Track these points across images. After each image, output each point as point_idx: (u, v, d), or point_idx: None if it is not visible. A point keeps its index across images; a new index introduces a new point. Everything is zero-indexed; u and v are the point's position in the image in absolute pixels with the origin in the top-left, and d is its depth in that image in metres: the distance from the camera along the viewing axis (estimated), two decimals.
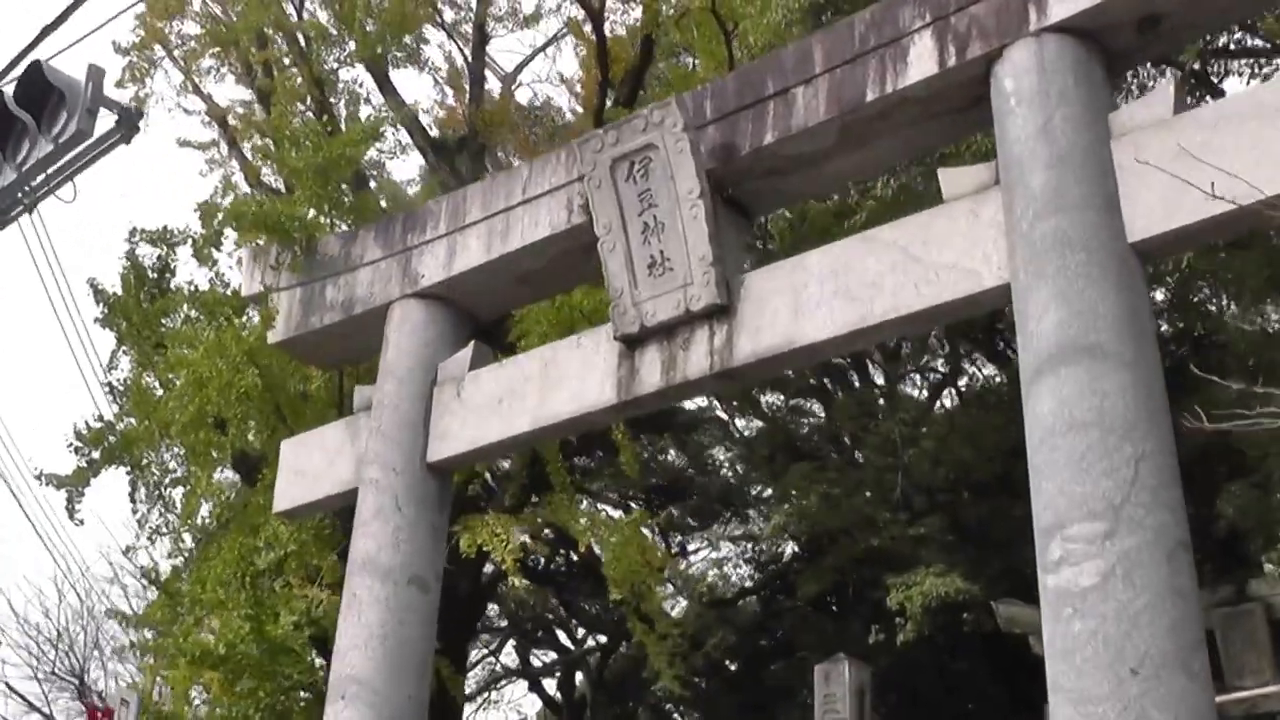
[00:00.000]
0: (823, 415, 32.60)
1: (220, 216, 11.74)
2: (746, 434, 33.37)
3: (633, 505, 29.64)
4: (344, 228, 12.58)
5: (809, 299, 8.72)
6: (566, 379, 9.84)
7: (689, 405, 34.70)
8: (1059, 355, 7.23)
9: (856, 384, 31.94)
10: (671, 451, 33.41)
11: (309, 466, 11.42)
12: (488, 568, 16.91)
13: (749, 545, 33.30)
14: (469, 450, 10.30)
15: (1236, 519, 22.86)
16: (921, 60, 8.54)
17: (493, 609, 30.94)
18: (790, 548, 33.43)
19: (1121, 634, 6.48)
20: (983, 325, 27.41)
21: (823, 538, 29.45)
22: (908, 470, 28.65)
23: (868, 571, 27.09)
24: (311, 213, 12.09)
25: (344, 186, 13.06)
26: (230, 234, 12.07)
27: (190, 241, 11.91)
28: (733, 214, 9.65)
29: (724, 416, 33.76)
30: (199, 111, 16.72)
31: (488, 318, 11.54)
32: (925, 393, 31.61)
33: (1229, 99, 7.51)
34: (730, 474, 33.98)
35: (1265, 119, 7.16)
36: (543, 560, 32.42)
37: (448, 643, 14.95)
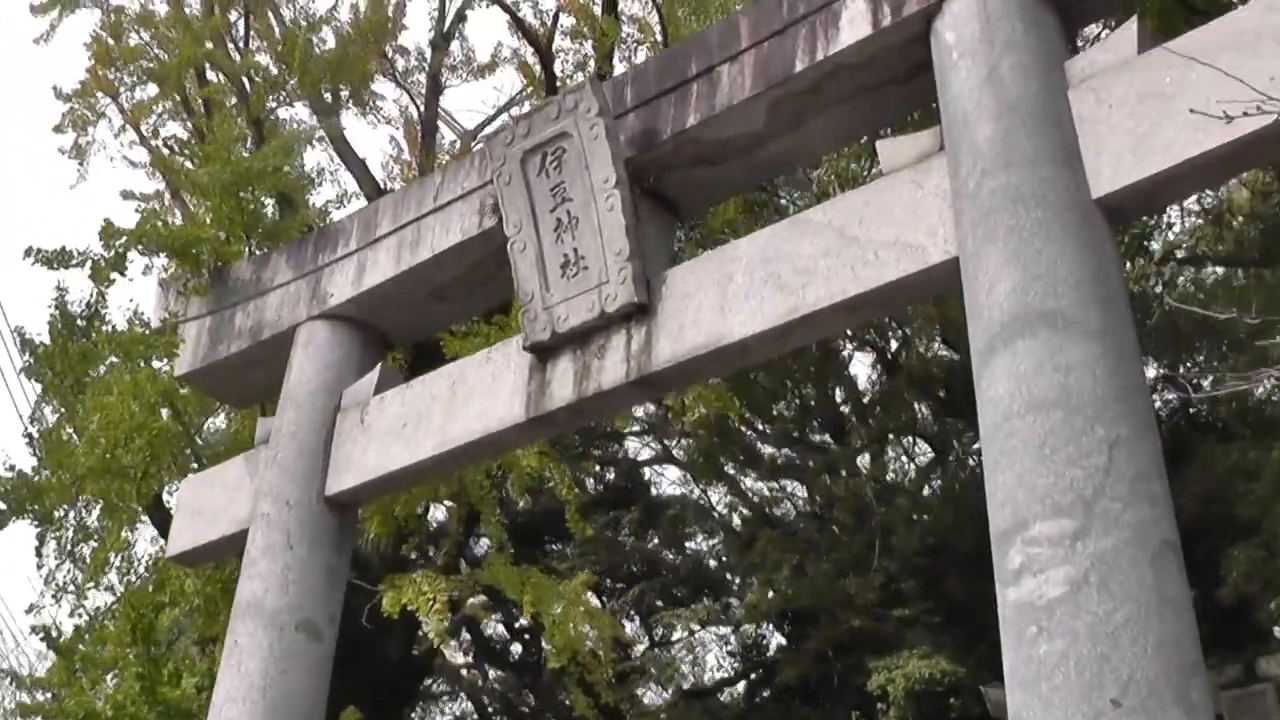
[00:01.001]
0: (804, 495, 31.23)
1: (124, 239, 10.25)
2: (723, 515, 31.92)
3: (606, 588, 28.11)
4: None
5: (735, 291, 7.21)
6: (474, 397, 8.29)
7: (669, 487, 33.43)
8: (1014, 326, 5.68)
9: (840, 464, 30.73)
10: (650, 536, 31.89)
11: (208, 506, 9.82)
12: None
13: (729, 631, 31.50)
14: (370, 480, 8.71)
15: (1241, 584, 21.22)
16: (854, 23, 7.09)
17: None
18: (775, 638, 31.77)
19: (1098, 655, 4.88)
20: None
21: (804, 620, 27.85)
22: (892, 550, 27.13)
23: (851, 656, 25.48)
24: (222, 235, 10.59)
25: (265, 210, 11.58)
26: (137, 258, 10.54)
27: (90, 264, 10.37)
28: (657, 209, 8.17)
29: (702, 501, 32.42)
30: (143, 164, 15.39)
31: (400, 340, 10.02)
32: (913, 473, 30.20)
33: (1202, 29, 5.99)
34: (709, 558, 32.39)
35: (1245, 48, 5.67)
36: (499, 630, 30.75)
37: (376, 714, 13.27)
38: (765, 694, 30.26)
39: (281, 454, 9.03)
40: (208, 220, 11.03)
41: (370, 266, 9.33)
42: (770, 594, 25.55)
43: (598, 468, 30.22)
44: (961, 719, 21.00)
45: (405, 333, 9.88)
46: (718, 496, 32.01)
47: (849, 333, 29.79)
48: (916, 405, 28.93)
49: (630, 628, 33.14)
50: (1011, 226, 5.89)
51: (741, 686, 31.30)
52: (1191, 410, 30.02)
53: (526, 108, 12.87)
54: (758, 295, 7.09)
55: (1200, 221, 24.54)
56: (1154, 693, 4.79)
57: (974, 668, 21.19)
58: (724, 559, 31.36)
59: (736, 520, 31.55)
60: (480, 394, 8.24)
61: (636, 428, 31.65)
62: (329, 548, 8.84)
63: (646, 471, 32.24)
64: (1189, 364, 30.23)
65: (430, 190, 9.13)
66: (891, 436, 30.28)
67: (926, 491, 30.18)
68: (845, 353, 30.85)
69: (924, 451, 29.69)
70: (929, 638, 21.86)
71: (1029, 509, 5.28)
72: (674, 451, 31.45)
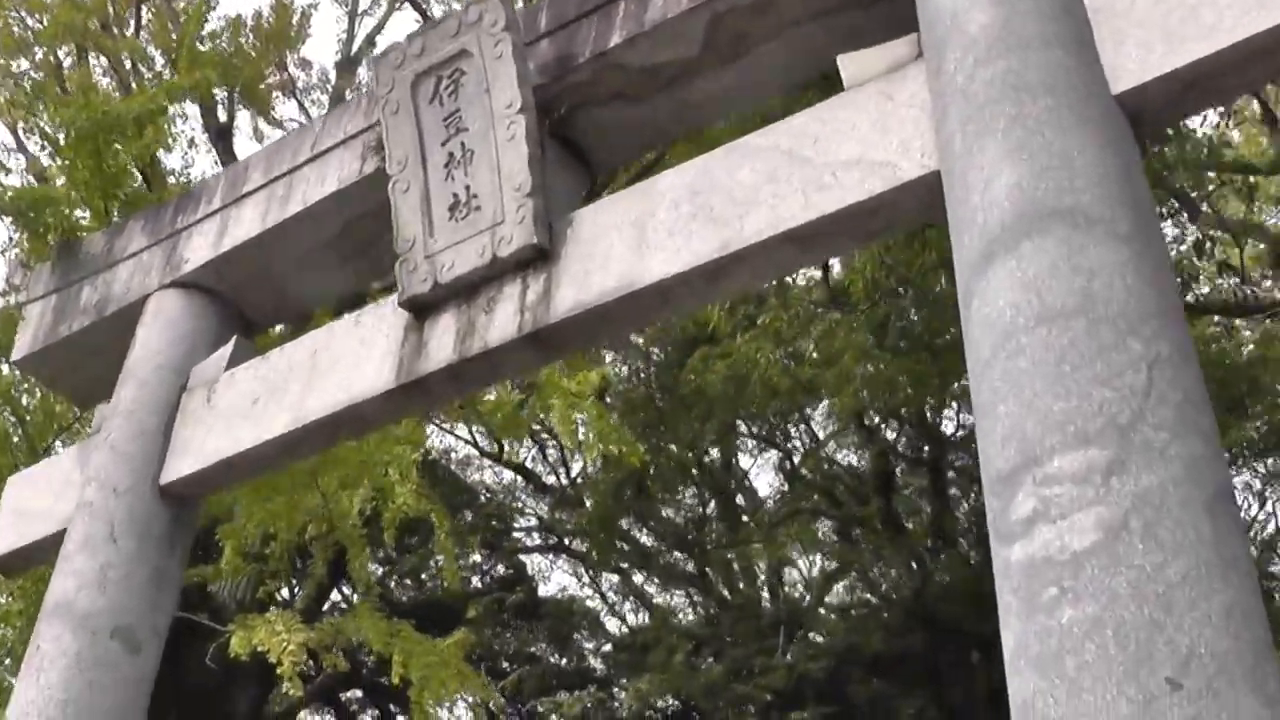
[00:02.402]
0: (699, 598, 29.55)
1: None
2: (613, 608, 30.17)
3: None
4: None
5: (657, 228, 5.71)
6: (339, 365, 6.67)
7: (556, 586, 31.55)
8: (1018, 226, 4.23)
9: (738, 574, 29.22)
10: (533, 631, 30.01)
11: (33, 505, 7.99)
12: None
13: None
14: (212, 465, 7.00)
15: None
16: None
17: None
18: None
19: (1147, 621, 3.35)
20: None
21: (692, 717, 26.08)
22: (790, 654, 25.53)
23: None
24: (76, 197, 8.92)
25: (130, 176, 9.87)
26: None
27: None
28: (566, 158, 6.68)
29: (592, 598, 30.67)
30: (19, 171, 13.66)
31: (265, 320, 8.35)
32: (817, 576, 28.68)
33: None
34: (594, 657, 30.54)
35: None
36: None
37: None
38: None
39: (115, 435, 7.32)
40: (60, 181, 9.34)
41: (233, 225, 7.74)
42: (660, 685, 23.64)
43: (482, 554, 28.30)
44: None
45: (270, 311, 8.22)
46: (608, 595, 30.29)
47: (749, 438, 28.60)
48: (817, 516, 27.57)
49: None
50: (1014, 116, 4.47)
51: None
52: None
53: None
54: (684, 231, 5.61)
55: None
56: (1223, 670, 3.28)
57: None
58: (609, 660, 29.60)
59: (626, 618, 29.93)
60: (346, 361, 6.64)
61: (529, 522, 30.02)
62: (159, 545, 7.11)
63: (532, 566, 30.50)
64: None
65: (309, 138, 7.59)
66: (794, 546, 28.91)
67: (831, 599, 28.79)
68: (747, 460, 29.65)
69: (828, 562, 28.11)
70: None
71: (1043, 441, 3.78)
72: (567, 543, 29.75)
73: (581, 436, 10.79)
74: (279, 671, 9.73)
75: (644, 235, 5.72)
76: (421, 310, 6.39)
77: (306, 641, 10.11)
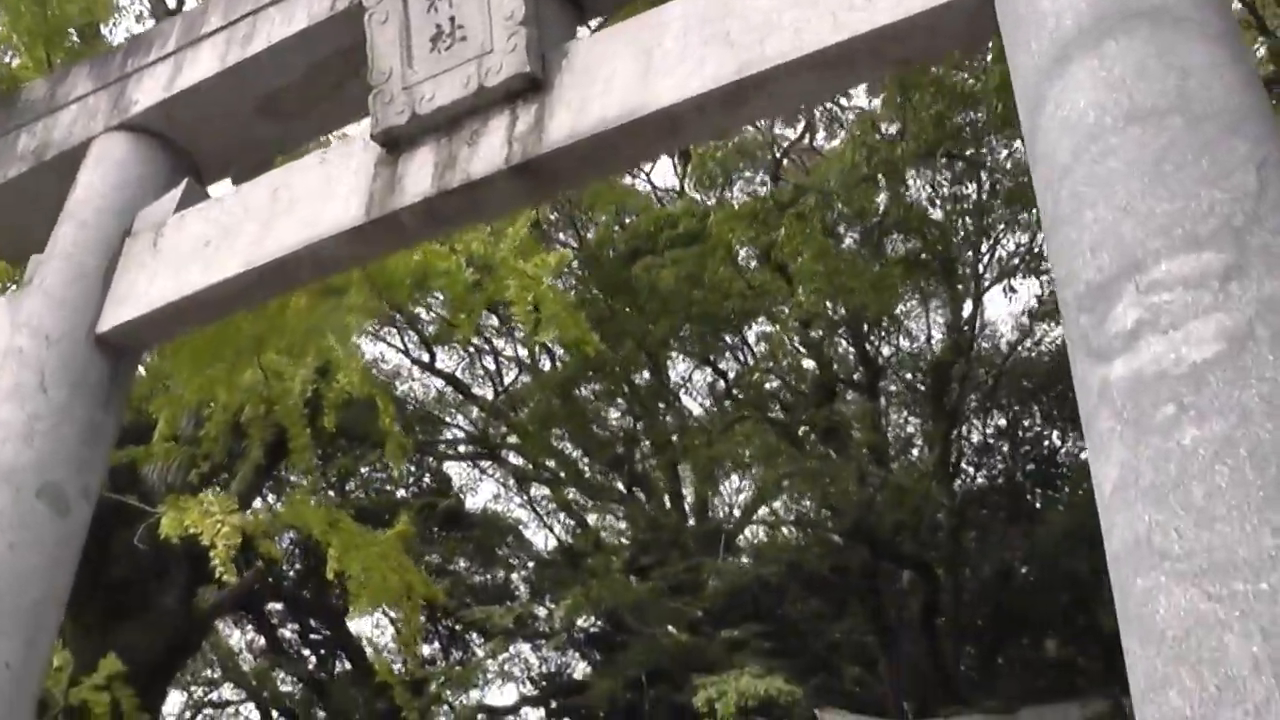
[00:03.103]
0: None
1: None
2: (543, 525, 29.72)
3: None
4: None
5: (666, 55, 5.11)
6: (301, 204, 6.02)
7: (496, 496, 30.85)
8: (1099, 27, 3.72)
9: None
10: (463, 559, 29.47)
11: None
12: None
13: (533, 654, 29.09)
14: (156, 310, 6.33)
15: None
16: None
17: None
18: (582, 665, 29.51)
19: None
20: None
21: (615, 646, 25.66)
22: (720, 572, 25.24)
23: (669, 680, 23.40)
24: (17, 44, 8.13)
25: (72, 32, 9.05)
26: None
27: None
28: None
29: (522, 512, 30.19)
30: None
31: (218, 168, 7.62)
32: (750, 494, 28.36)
33: None
34: (520, 577, 30.11)
35: None
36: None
37: (140, 671, 10.76)
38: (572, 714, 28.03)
39: (50, 280, 6.63)
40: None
41: (188, 67, 7.01)
42: (589, 601, 23.20)
43: (414, 464, 27.60)
44: None
45: (225, 159, 7.48)
46: (538, 507, 29.78)
47: (684, 355, 28.15)
48: (756, 429, 27.15)
49: (428, 649, 30.60)
50: None
51: (542, 711, 29.03)
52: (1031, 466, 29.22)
53: None
54: (695, 56, 5.02)
55: None
56: None
57: (810, 693, 19.35)
58: (538, 575, 29.15)
59: (556, 531, 29.48)
60: (309, 200, 5.99)
61: (458, 434, 29.42)
62: (94, 398, 6.44)
63: (460, 478, 29.93)
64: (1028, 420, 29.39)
65: None
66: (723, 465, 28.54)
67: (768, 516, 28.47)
68: (680, 374, 29.18)
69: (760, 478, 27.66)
70: (759, 662, 19.90)
71: (1145, 244, 3.28)
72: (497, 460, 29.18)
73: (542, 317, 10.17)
74: (212, 555, 9.10)
75: (650, 62, 5.14)
76: (396, 144, 5.76)
77: (242, 526, 9.48)
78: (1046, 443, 28.86)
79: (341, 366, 9.82)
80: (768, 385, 25.26)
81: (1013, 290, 22.77)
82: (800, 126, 22.64)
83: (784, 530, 27.27)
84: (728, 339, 24.64)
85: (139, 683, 10.58)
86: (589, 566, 24.76)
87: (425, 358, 27.65)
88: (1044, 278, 27.95)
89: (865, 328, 23.26)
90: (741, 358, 26.42)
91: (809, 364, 24.53)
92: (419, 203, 5.53)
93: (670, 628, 22.54)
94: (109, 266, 6.65)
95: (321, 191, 5.95)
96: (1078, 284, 3.45)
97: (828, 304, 18.71)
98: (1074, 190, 3.56)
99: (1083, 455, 30.06)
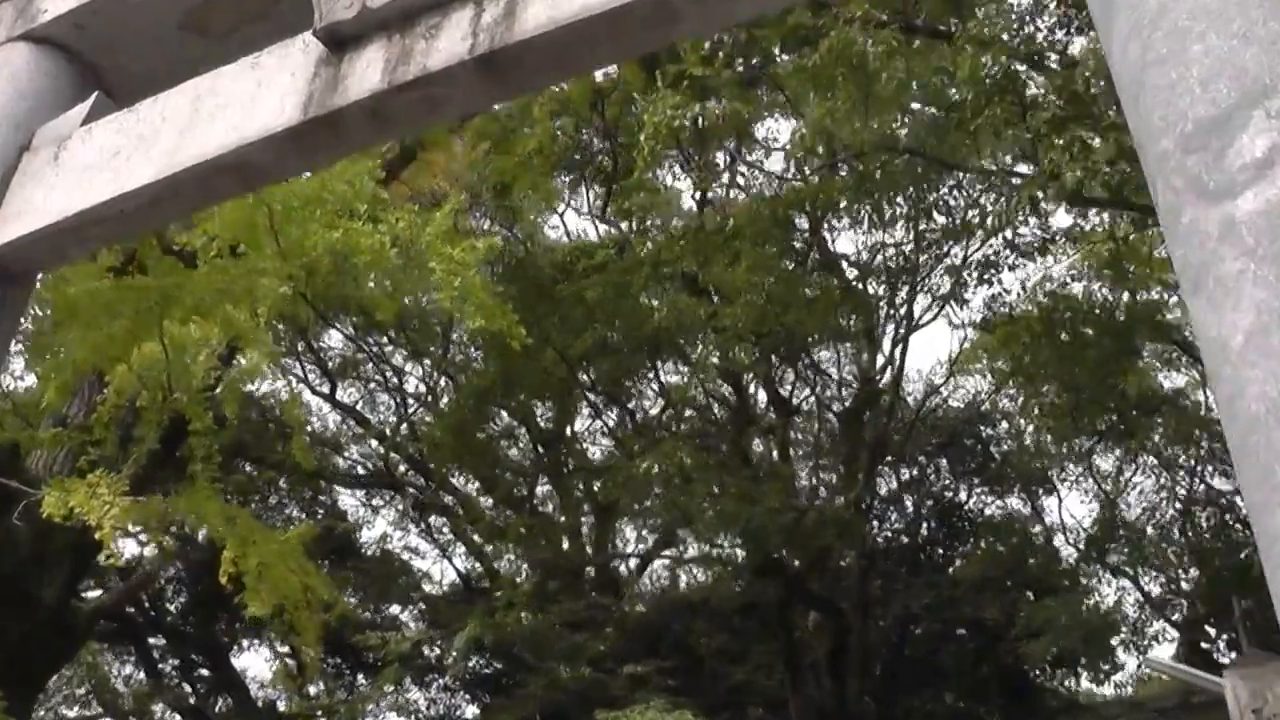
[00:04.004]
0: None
1: None
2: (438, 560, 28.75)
3: None
4: None
5: None
6: (228, 110, 5.30)
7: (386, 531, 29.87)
8: None
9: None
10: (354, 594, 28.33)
11: None
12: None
13: (426, 687, 27.97)
14: (56, 224, 5.51)
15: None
16: None
17: None
18: (471, 709, 28.48)
19: None
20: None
21: (507, 688, 24.77)
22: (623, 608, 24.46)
23: (569, 716, 22.56)
24: None
25: None
26: None
27: None
28: None
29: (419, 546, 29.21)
30: None
31: (133, 85, 6.83)
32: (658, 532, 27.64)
33: None
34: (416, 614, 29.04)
35: None
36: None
37: (10, 670, 9.79)
38: None
39: None
40: None
41: None
42: (486, 634, 22.30)
43: (310, 492, 26.60)
44: None
45: (142, 78, 6.71)
46: (436, 545, 28.79)
47: (601, 379, 27.45)
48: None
49: (313, 689, 29.38)
50: None
51: None
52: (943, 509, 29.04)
53: None
54: None
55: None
56: None
57: None
58: (430, 614, 28.11)
59: (455, 566, 28.50)
60: (238, 105, 5.27)
61: (356, 468, 28.45)
62: None
63: (355, 512, 28.87)
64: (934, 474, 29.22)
65: None
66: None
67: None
68: (584, 418, 28.55)
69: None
70: (663, 699, 19.17)
71: (1273, 69, 2.75)
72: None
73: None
74: (98, 539, 8.24)
75: None
76: (342, 44, 5.06)
77: (131, 514, 8.63)
78: (950, 495, 28.78)
79: (249, 342, 9.02)
80: (687, 414, 24.69)
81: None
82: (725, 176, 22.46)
83: (690, 568, 26.65)
84: (646, 364, 24.06)
85: (7, 683, 9.58)
86: (487, 602, 23.89)
87: (326, 389, 26.79)
88: (958, 333, 27.92)
89: (780, 366, 22.89)
90: (655, 391, 25.88)
91: (726, 391, 24.09)
92: (366, 99, 4.85)
93: (569, 667, 21.74)
94: (2, 181, 5.87)
95: (252, 96, 5.24)
96: (1183, 124, 2.90)
97: (752, 335, 18.29)
98: (1174, 27, 3.01)
99: (987, 511, 30.17)
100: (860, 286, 21.80)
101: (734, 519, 19.67)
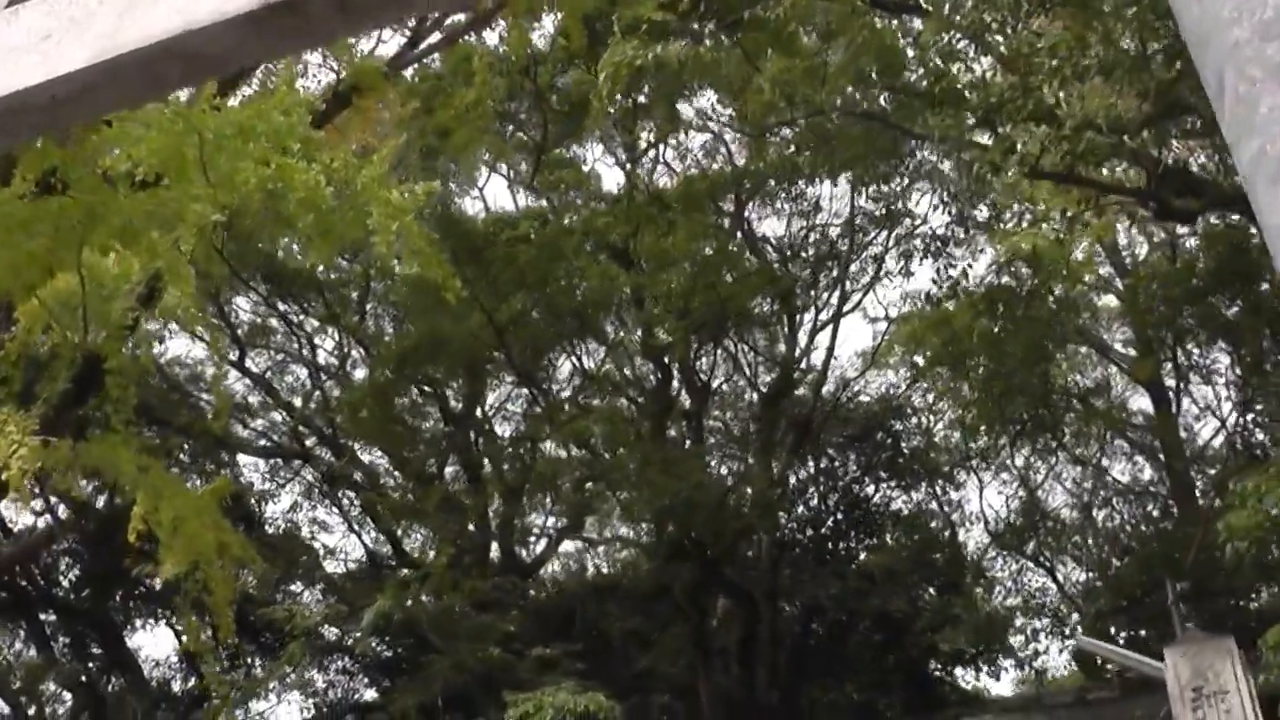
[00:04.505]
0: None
1: None
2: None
3: None
4: None
5: None
6: None
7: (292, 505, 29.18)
8: None
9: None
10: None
11: None
12: None
13: (325, 668, 27.23)
14: None
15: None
16: None
17: None
18: (369, 692, 27.79)
19: None
20: None
21: (420, 657, 24.18)
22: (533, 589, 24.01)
23: (474, 700, 22.05)
24: None
25: None
26: None
27: None
28: None
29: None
30: None
31: None
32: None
33: None
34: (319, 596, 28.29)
35: None
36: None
37: None
38: None
39: None
40: None
41: None
42: (396, 617, 21.70)
43: (214, 464, 25.76)
44: None
45: None
46: (345, 520, 28.05)
47: (504, 373, 26.96)
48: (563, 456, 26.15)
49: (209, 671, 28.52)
50: None
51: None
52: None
53: None
54: None
55: None
56: None
57: (625, 714, 18.29)
58: (335, 595, 27.40)
59: (365, 542, 27.79)
60: None
61: (260, 440, 27.65)
62: None
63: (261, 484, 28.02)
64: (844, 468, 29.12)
65: None
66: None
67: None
68: (499, 393, 28.09)
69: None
70: (572, 682, 18.75)
71: None
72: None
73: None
74: (6, 480, 7.66)
75: None
76: None
77: (39, 455, 8.05)
78: (858, 487, 28.69)
79: (173, 276, 8.46)
80: (605, 391, 24.29)
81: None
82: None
83: (601, 550, 26.28)
84: (567, 341, 23.60)
85: None
86: (394, 580, 23.30)
87: (234, 356, 25.97)
88: (872, 326, 27.86)
89: (701, 349, 22.61)
90: (575, 367, 25.46)
91: (648, 370, 23.75)
92: None
93: (476, 648, 21.20)
94: None
95: None
96: (1261, 11, 2.58)
97: (679, 308, 17.98)
98: None
99: (894, 505, 30.17)
100: (785, 269, 21.56)
101: (659, 494, 19.31)
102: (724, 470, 24.62)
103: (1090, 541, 27.20)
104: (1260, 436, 24.67)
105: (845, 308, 25.06)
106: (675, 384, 24.16)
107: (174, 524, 9.12)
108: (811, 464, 27.89)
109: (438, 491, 26.51)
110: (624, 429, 21.58)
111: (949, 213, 19.67)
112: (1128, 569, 23.52)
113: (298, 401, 26.45)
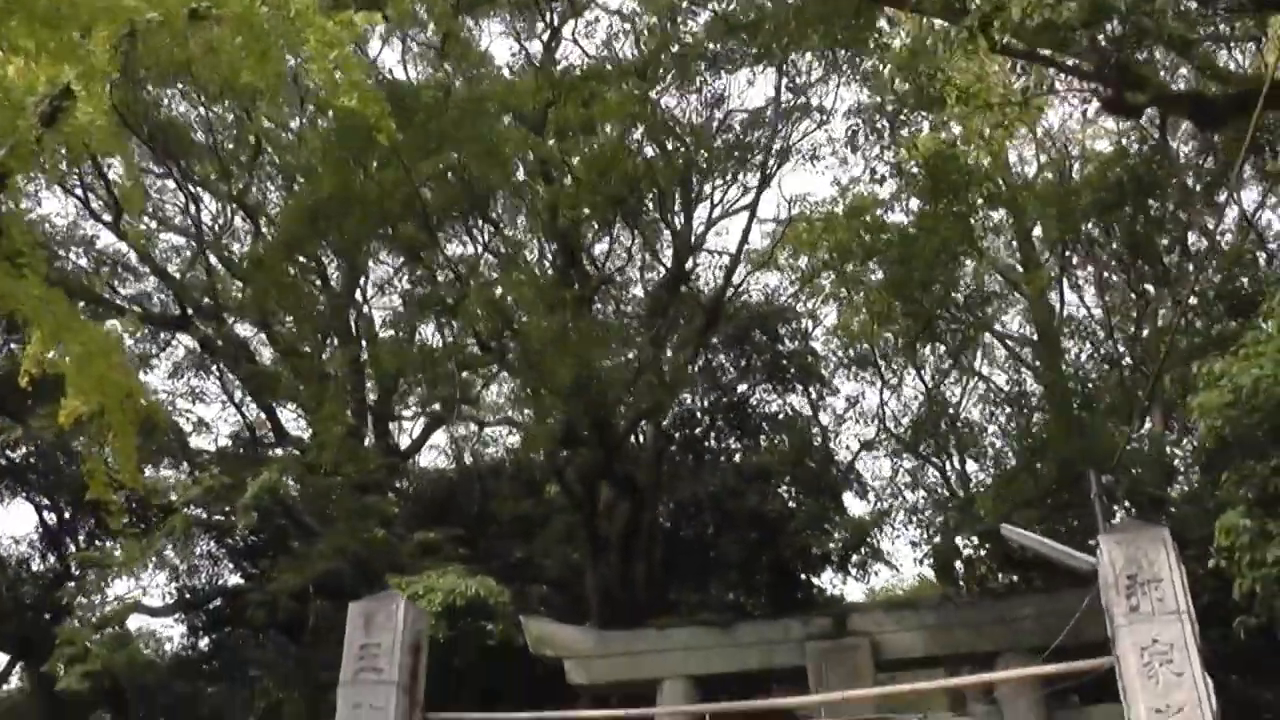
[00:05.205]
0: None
1: None
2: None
3: None
4: None
5: None
6: None
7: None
8: None
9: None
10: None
11: None
12: None
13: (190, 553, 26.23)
14: None
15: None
16: None
17: None
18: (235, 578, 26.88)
19: None
20: None
21: (293, 542, 23.39)
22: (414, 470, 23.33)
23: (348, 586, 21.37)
24: None
25: None
26: None
27: None
28: None
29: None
30: None
31: None
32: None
33: None
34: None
35: None
36: None
37: None
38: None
39: None
40: None
41: None
42: (264, 502, 20.83)
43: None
44: (501, 647, 17.26)
45: None
46: (224, 392, 26.97)
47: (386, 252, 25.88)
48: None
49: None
50: None
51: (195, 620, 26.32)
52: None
53: None
54: None
55: None
56: None
57: (513, 599, 17.84)
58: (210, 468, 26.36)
59: (244, 417, 26.78)
60: None
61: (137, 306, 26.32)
62: None
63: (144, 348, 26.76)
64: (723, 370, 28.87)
65: None
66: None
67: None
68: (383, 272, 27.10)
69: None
70: (454, 567, 18.24)
71: None
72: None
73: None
74: None
75: None
76: None
77: None
78: (741, 388, 28.44)
79: (87, 88, 7.63)
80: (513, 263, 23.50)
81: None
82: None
83: (489, 433, 25.67)
84: (477, 210, 22.65)
85: None
86: (274, 459, 22.43)
87: (108, 218, 24.50)
88: (759, 226, 27.36)
89: (604, 230, 21.95)
90: (479, 236, 24.56)
91: (552, 249, 23.05)
92: None
93: (358, 530, 20.52)
94: None
95: None
96: None
97: (592, 187, 17.36)
98: None
99: (770, 408, 30.05)
100: (702, 156, 20.99)
101: (563, 376, 18.67)
102: (621, 359, 24.09)
103: (989, 443, 27.42)
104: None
105: (756, 197, 24.68)
106: (579, 262, 23.53)
107: (80, 361, 8.38)
108: (696, 361, 27.56)
109: (315, 369, 25.57)
110: (537, 295, 20.79)
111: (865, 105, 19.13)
112: (1028, 468, 23.43)
113: (177, 270, 25.18)
